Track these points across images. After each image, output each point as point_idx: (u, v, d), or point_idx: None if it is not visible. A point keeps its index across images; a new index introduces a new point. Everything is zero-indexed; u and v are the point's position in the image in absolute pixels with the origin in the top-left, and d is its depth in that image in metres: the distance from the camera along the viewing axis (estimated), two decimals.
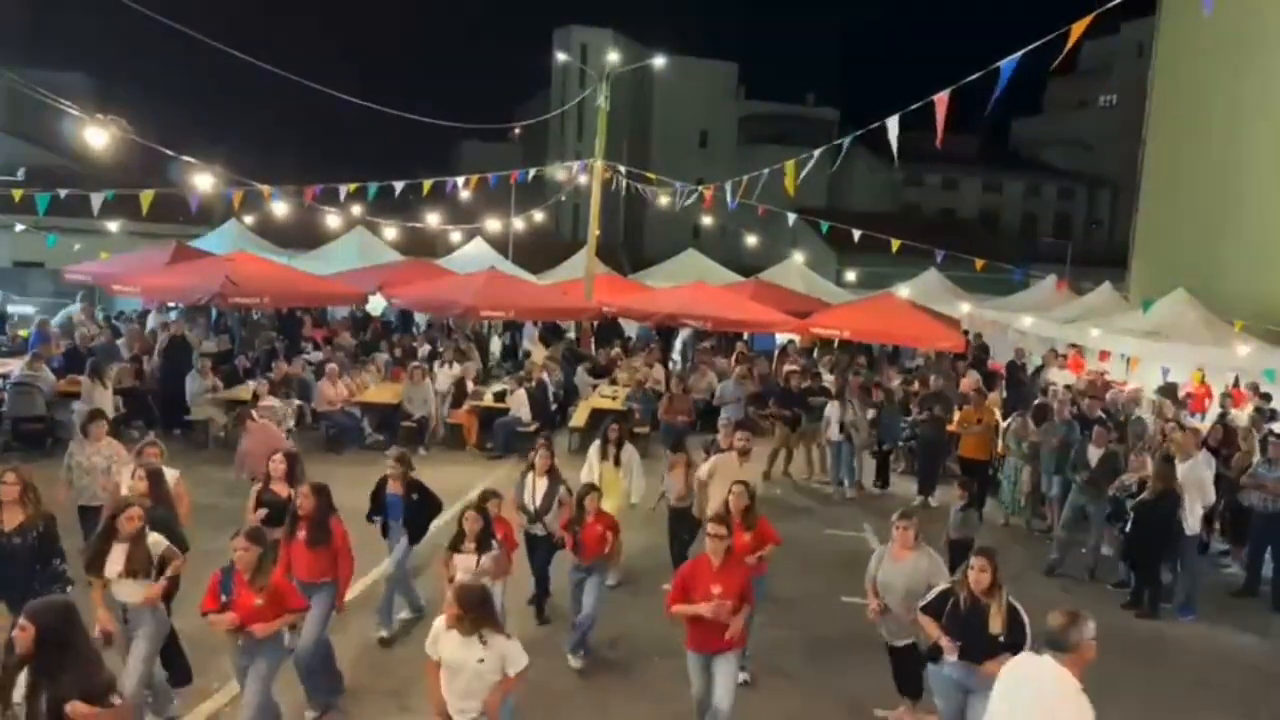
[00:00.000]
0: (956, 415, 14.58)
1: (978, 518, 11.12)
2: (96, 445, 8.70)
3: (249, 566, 5.95)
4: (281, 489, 7.87)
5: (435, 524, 8.76)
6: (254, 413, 11.49)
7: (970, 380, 17.28)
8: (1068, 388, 16.00)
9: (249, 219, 26.64)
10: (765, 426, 16.88)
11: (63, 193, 17.28)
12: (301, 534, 7.00)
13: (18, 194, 18.03)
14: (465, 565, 6.91)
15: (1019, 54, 8.45)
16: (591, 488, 8.21)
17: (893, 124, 10.66)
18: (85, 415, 9.21)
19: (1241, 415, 14.02)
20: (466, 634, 5.22)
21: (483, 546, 7.03)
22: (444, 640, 5.31)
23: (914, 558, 6.81)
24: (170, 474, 7.90)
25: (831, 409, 14.07)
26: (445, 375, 16.53)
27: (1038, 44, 8.41)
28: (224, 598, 5.95)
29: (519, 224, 31.10)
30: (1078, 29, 7.88)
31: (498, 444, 15.14)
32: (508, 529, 7.81)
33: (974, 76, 9.09)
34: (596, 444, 9.96)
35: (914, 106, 10.14)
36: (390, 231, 26.14)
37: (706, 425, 15.47)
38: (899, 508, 12.79)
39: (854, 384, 14.90)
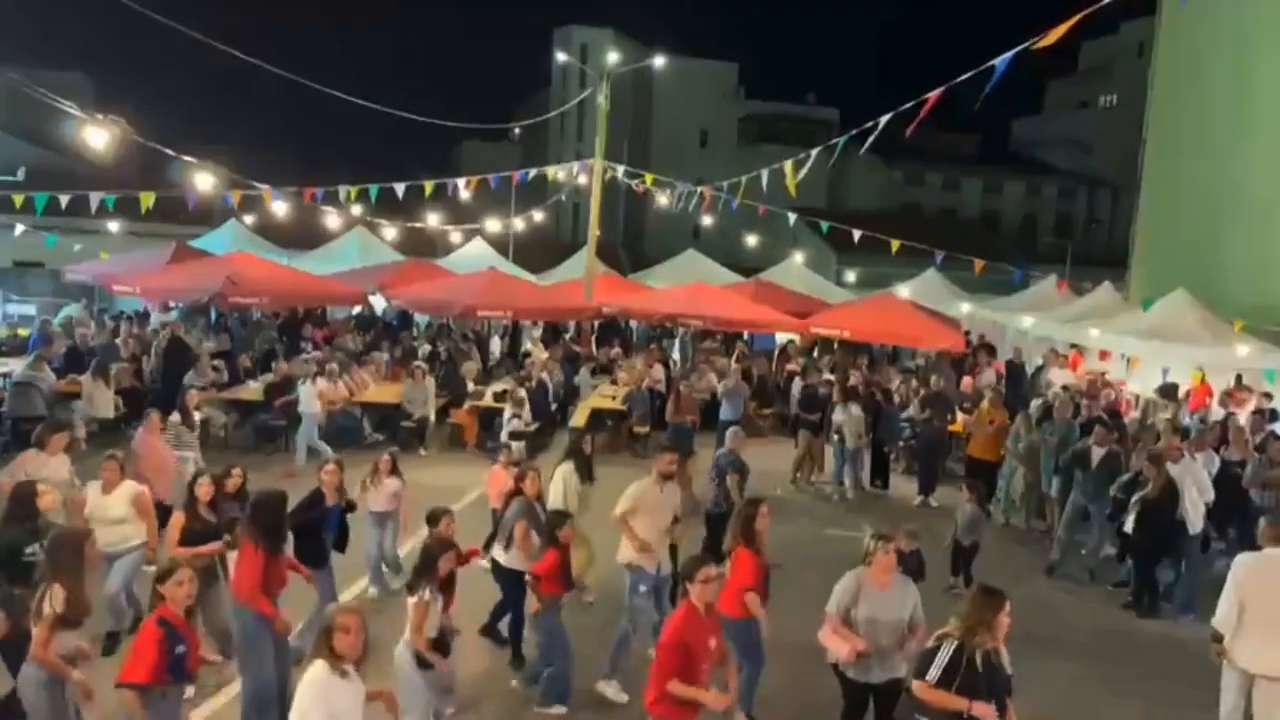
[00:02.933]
0: (960, 416, 14.60)
1: (986, 519, 11.15)
2: (60, 459, 8.45)
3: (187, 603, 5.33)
4: (209, 515, 7.40)
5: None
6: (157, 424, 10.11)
7: (986, 380, 17.39)
8: (1066, 388, 16.00)
9: (249, 219, 26.64)
10: (764, 426, 16.94)
11: (63, 200, 17.34)
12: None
13: (19, 199, 18.06)
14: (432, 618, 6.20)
15: (1013, 51, 8.46)
16: (564, 516, 7.55)
17: (882, 122, 10.70)
18: (42, 428, 8.78)
19: (1240, 415, 14.03)
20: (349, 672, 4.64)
21: (447, 589, 6.43)
22: (339, 691, 4.58)
23: (899, 584, 6.29)
24: (131, 489, 7.73)
25: (839, 410, 14.09)
26: (309, 394, 13.73)
27: (1033, 42, 8.41)
28: (179, 650, 5.19)
29: (519, 224, 31.11)
30: (1070, 22, 7.88)
31: (498, 444, 15.12)
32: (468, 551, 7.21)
33: (967, 75, 9.10)
34: (570, 466, 9.09)
35: (908, 105, 10.16)
36: (390, 231, 26.16)
37: (707, 425, 15.46)
38: (899, 508, 12.82)
39: (842, 384, 14.90)
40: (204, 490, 7.43)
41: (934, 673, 5.12)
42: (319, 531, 7.74)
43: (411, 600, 6.11)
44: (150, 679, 5.05)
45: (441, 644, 6.27)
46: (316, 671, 4.55)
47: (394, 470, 9.31)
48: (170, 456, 10.01)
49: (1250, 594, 6.54)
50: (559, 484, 8.92)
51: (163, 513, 8.40)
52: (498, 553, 7.93)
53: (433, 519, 7.04)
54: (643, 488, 8.13)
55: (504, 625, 8.11)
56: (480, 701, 7.41)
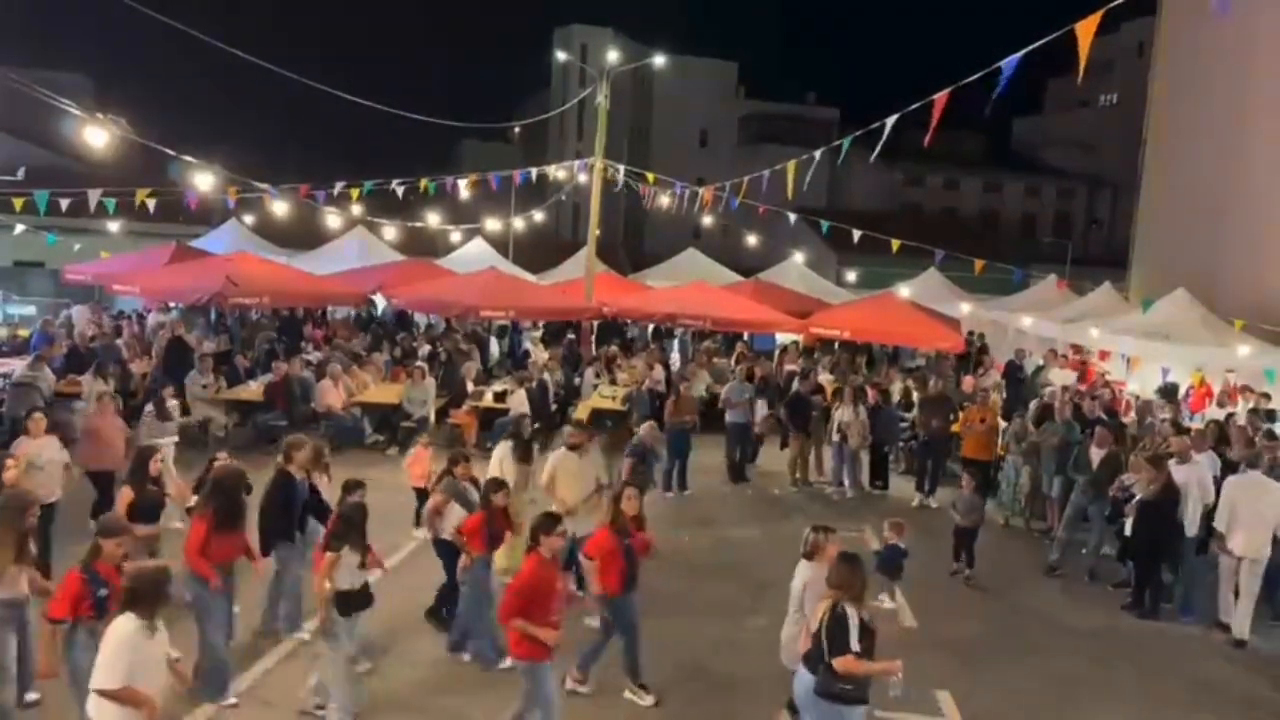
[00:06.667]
0: (961, 416, 14.59)
1: (984, 505, 11.19)
2: (40, 441, 9.03)
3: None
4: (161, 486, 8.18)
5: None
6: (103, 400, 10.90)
7: (990, 379, 17.38)
8: (1066, 388, 16.00)
9: (249, 219, 26.64)
10: (765, 427, 16.90)
11: (64, 202, 17.33)
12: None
13: (19, 202, 18.07)
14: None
15: (1020, 54, 8.40)
16: (500, 484, 8.06)
17: (889, 124, 10.68)
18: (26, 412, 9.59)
19: (1240, 415, 14.02)
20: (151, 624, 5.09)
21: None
22: (149, 644, 5.06)
23: None
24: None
25: (846, 411, 14.08)
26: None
27: (1039, 44, 8.38)
28: (102, 593, 5.88)
29: (519, 224, 31.05)
30: (1084, 32, 7.77)
31: (497, 443, 15.10)
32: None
33: (975, 76, 9.07)
34: (507, 446, 9.93)
35: (913, 107, 10.15)
36: (390, 231, 26.13)
37: (708, 426, 15.43)
38: (899, 508, 12.84)
39: (850, 385, 14.89)
40: (154, 466, 8.17)
41: (856, 644, 5.39)
42: (287, 508, 7.98)
43: (329, 554, 6.66)
44: (71, 614, 5.81)
45: (364, 596, 6.78)
46: (123, 624, 4.98)
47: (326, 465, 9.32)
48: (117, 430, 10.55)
49: (1236, 501, 9.30)
50: (495, 463, 9.73)
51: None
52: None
53: (347, 488, 7.51)
54: (557, 457, 9.40)
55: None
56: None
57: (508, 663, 7.25)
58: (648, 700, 7.30)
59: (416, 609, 8.57)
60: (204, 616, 6.92)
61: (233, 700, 6.92)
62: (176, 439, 11.48)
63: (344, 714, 6.61)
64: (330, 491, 8.39)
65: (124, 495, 7.91)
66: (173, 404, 11.74)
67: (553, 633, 6.07)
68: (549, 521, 6.40)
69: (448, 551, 8.27)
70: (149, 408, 11.57)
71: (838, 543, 6.43)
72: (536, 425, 15.38)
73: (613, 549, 7.17)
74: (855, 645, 5.40)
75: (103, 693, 4.88)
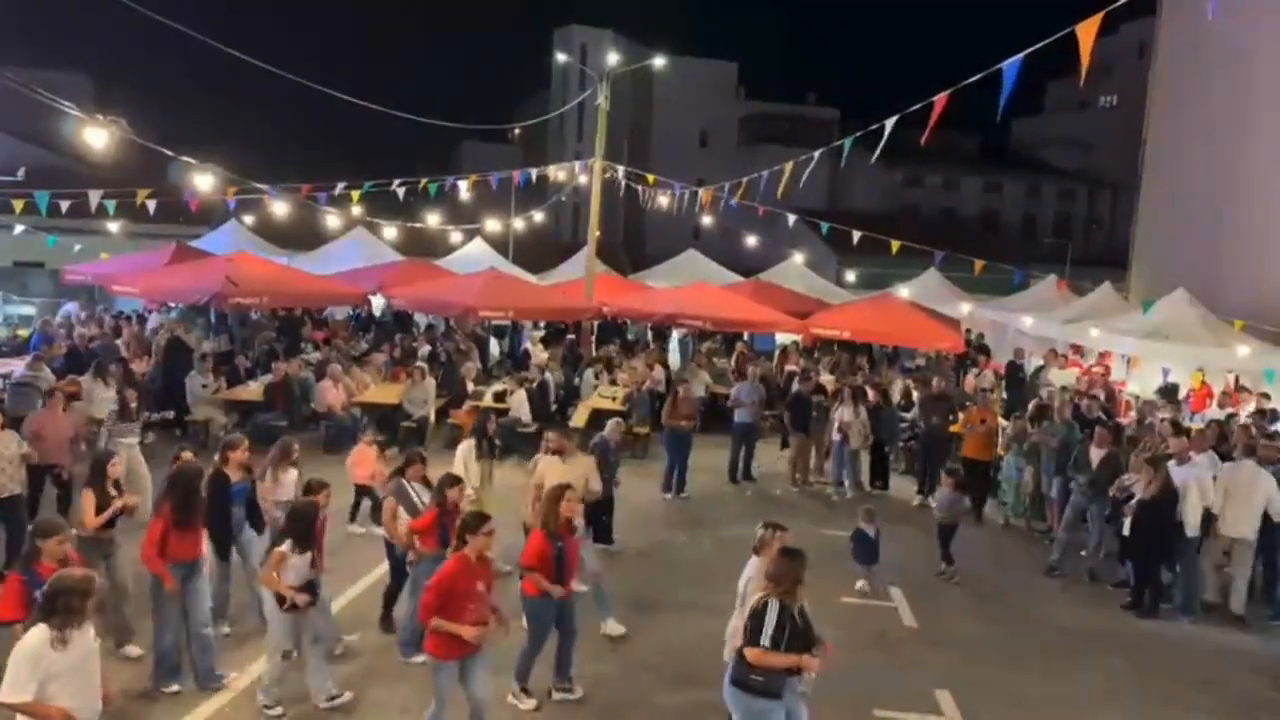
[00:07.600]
0: (961, 416, 14.60)
1: (965, 503, 11.21)
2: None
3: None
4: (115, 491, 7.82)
5: None
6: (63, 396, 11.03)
7: (985, 379, 17.35)
8: (1064, 388, 15.99)
9: (249, 219, 26.64)
10: (764, 427, 16.91)
11: (64, 203, 17.33)
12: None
13: (20, 205, 18.07)
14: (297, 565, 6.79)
15: (1021, 55, 8.37)
16: (455, 479, 7.92)
17: (889, 124, 10.67)
18: None
19: (1241, 415, 14.02)
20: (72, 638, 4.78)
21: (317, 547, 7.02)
22: (62, 655, 4.71)
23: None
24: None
25: (836, 410, 14.08)
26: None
27: (1041, 45, 8.35)
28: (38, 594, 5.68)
29: (519, 224, 31.04)
30: (1085, 34, 7.74)
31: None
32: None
33: (975, 78, 9.05)
34: (470, 443, 10.09)
35: (913, 108, 10.15)
36: (390, 231, 26.15)
37: (707, 426, 15.41)
38: (899, 508, 12.88)
39: (850, 385, 14.89)
40: (113, 470, 7.94)
41: (767, 639, 5.38)
42: (222, 510, 7.88)
43: (277, 550, 6.85)
44: (17, 616, 5.63)
45: (309, 592, 6.84)
46: (32, 635, 4.72)
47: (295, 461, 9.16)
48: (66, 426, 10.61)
49: (1230, 486, 9.88)
50: (459, 459, 9.86)
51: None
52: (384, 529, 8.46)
53: (309, 489, 7.54)
54: (543, 462, 9.36)
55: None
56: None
57: (419, 659, 7.30)
58: (528, 704, 7.10)
59: (373, 604, 8.59)
60: (155, 610, 7.03)
61: (225, 678, 7.22)
62: (138, 440, 11.40)
63: (271, 697, 6.80)
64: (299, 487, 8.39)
65: (87, 498, 7.66)
66: (134, 406, 11.64)
67: (472, 630, 5.95)
68: (476, 521, 6.27)
69: (392, 551, 8.22)
70: (111, 408, 11.58)
71: (783, 538, 6.41)
72: (536, 426, 15.39)
73: (545, 551, 7.00)
74: (765, 640, 5.38)
75: (5, 705, 4.64)
